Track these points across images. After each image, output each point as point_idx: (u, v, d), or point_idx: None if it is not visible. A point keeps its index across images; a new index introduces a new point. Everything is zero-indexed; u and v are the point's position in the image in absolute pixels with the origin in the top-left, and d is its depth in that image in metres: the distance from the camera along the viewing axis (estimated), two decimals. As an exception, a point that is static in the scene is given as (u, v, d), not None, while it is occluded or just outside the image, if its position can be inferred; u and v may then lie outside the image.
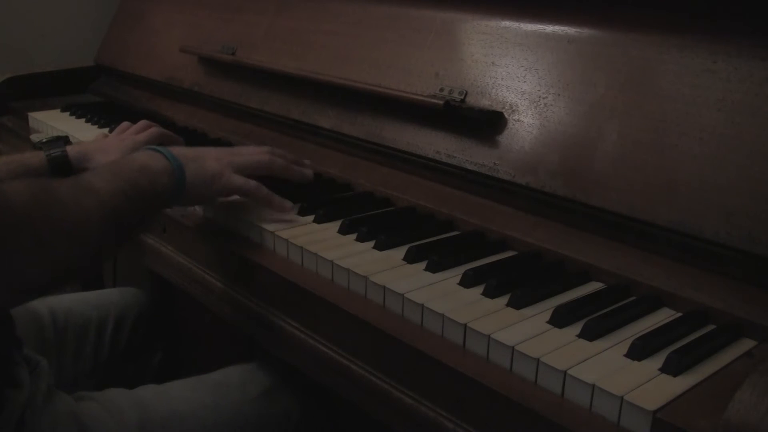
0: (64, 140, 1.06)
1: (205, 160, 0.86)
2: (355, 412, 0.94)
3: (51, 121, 1.41)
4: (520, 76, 0.90)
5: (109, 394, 0.86)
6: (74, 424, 0.79)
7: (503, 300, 0.70)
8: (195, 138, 1.31)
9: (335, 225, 0.87)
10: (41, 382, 0.80)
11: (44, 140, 1.06)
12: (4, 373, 0.77)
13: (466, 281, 0.73)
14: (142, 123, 1.14)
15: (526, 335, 0.63)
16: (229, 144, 1.26)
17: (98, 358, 1.12)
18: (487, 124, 0.90)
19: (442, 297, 0.70)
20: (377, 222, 0.88)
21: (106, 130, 1.35)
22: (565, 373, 0.58)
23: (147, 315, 1.22)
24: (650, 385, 0.57)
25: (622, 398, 0.55)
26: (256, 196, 0.89)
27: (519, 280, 0.73)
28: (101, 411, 0.82)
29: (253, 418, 0.90)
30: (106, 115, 1.44)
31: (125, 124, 1.15)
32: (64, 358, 1.07)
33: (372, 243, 0.82)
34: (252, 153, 0.93)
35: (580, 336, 0.64)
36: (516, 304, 0.69)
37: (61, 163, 1.00)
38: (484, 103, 0.92)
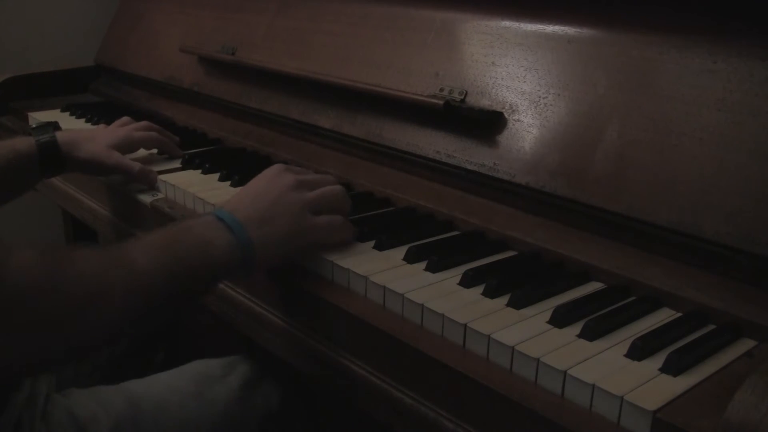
0: (54, 126, 1.07)
1: (277, 218, 0.75)
2: (334, 402, 0.95)
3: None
4: (520, 76, 0.90)
5: (101, 392, 0.86)
6: (71, 424, 0.79)
7: (503, 300, 0.70)
8: (195, 138, 1.31)
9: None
10: (41, 383, 0.80)
11: (34, 126, 1.07)
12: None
13: (466, 281, 0.73)
14: (144, 123, 1.14)
15: (526, 335, 0.63)
16: (228, 143, 1.26)
17: (97, 360, 1.12)
18: (487, 124, 0.90)
19: (442, 297, 0.70)
20: (377, 222, 0.88)
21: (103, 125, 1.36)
22: (565, 373, 0.58)
23: None
24: (650, 385, 0.57)
25: (622, 398, 0.55)
26: (343, 235, 0.80)
27: (519, 280, 0.73)
28: (97, 408, 0.82)
29: (236, 408, 0.91)
30: (106, 115, 1.44)
31: (126, 118, 1.15)
32: None
33: (372, 243, 0.82)
34: (321, 182, 0.82)
35: (580, 336, 0.64)
36: (516, 304, 0.69)
37: (51, 148, 1.00)
38: (484, 103, 0.92)
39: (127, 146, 1.08)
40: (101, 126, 1.17)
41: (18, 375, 0.68)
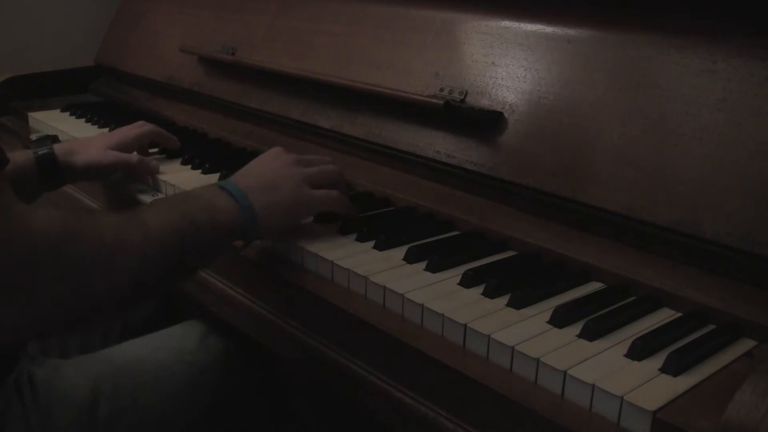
0: (52, 139, 1.07)
1: (279, 188, 0.80)
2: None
3: (51, 121, 1.41)
4: (520, 76, 0.90)
5: (82, 360, 0.90)
6: (53, 395, 0.82)
7: (503, 300, 0.70)
8: (195, 138, 1.31)
9: (335, 225, 0.87)
10: (22, 362, 0.84)
11: (33, 139, 1.07)
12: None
13: (466, 281, 0.73)
14: (138, 123, 1.15)
15: (526, 335, 0.63)
16: (227, 144, 1.26)
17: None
18: (487, 124, 0.90)
19: (442, 297, 0.70)
20: (377, 222, 0.88)
21: (106, 130, 1.36)
22: (565, 373, 0.58)
23: (156, 318, 1.22)
24: (650, 385, 0.57)
25: (622, 398, 0.55)
26: (340, 208, 0.86)
27: (519, 280, 0.73)
28: (81, 378, 0.86)
29: (198, 361, 0.95)
30: (106, 115, 1.44)
31: (124, 127, 1.16)
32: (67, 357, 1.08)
33: (372, 243, 0.82)
34: (317, 160, 0.88)
35: (580, 336, 0.64)
36: (516, 304, 0.69)
37: (48, 161, 1.01)
38: (484, 103, 0.92)
39: (123, 145, 1.08)
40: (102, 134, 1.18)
41: (43, 332, 0.70)
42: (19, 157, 1.01)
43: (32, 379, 0.83)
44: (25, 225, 0.57)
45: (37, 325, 0.61)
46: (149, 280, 0.68)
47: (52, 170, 1.02)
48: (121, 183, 1.09)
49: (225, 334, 0.98)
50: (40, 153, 1.01)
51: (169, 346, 0.96)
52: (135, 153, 1.09)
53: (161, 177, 1.05)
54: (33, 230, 0.58)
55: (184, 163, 1.12)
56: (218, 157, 1.16)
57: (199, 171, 1.09)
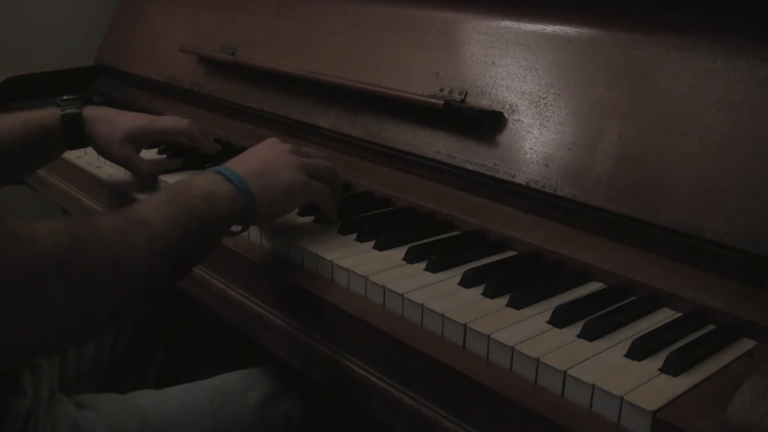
0: (84, 99, 1.03)
1: (276, 173, 0.79)
2: (356, 412, 0.94)
3: (51, 121, 1.41)
4: (520, 76, 0.90)
5: (109, 403, 0.85)
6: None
7: (503, 300, 0.70)
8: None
9: (335, 225, 0.87)
10: (43, 387, 0.80)
11: (64, 97, 1.04)
12: (7, 380, 0.77)
13: (466, 281, 0.73)
14: (176, 117, 1.10)
15: (526, 335, 0.63)
16: (228, 144, 1.26)
17: (99, 359, 1.12)
18: (487, 124, 0.90)
19: (442, 297, 0.70)
20: (377, 222, 0.88)
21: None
22: (565, 373, 0.58)
23: (149, 317, 1.22)
24: (650, 385, 0.57)
25: (622, 398, 0.55)
26: (328, 206, 0.85)
27: (519, 280, 0.73)
28: (101, 422, 0.81)
29: (253, 426, 0.90)
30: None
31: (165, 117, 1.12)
32: (66, 359, 1.07)
33: (372, 243, 0.82)
34: (313, 154, 0.88)
35: (580, 336, 0.64)
36: (516, 304, 0.69)
37: (75, 122, 0.99)
38: (484, 103, 0.92)
39: (147, 134, 1.05)
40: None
41: (60, 344, 0.68)
42: (47, 115, 0.99)
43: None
44: (28, 243, 0.56)
45: (53, 339, 0.59)
46: (159, 277, 0.67)
47: (77, 132, 1.00)
48: (122, 183, 1.09)
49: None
50: (67, 113, 0.99)
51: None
52: (144, 161, 1.05)
53: (161, 177, 1.05)
54: (38, 247, 0.56)
55: (183, 164, 1.12)
56: (218, 156, 1.16)
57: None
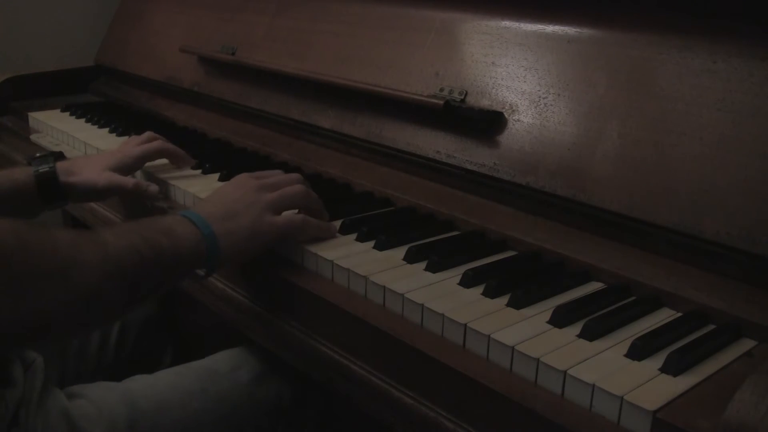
0: (56, 156, 1.02)
1: (239, 216, 0.79)
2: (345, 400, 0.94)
3: (51, 121, 1.41)
4: (520, 76, 0.90)
5: (99, 390, 0.85)
6: (65, 423, 0.79)
7: (503, 300, 0.70)
8: (195, 138, 1.32)
9: (335, 225, 0.87)
10: (36, 380, 0.80)
11: (36, 155, 1.01)
12: None
13: (466, 281, 0.73)
14: (147, 134, 1.09)
15: (526, 335, 0.63)
16: (228, 144, 1.26)
17: (102, 360, 1.12)
18: (487, 124, 0.90)
19: (442, 297, 0.70)
20: (377, 222, 0.88)
21: (106, 130, 1.36)
22: (565, 373, 0.58)
23: (155, 319, 1.21)
24: (650, 385, 0.57)
25: (622, 398, 0.55)
26: (305, 233, 0.83)
27: (519, 280, 0.73)
28: (91, 408, 0.81)
29: (244, 404, 0.90)
30: (106, 115, 1.44)
31: (132, 138, 1.11)
32: (66, 356, 1.07)
33: (372, 243, 0.82)
34: (283, 182, 0.86)
35: (580, 336, 0.64)
36: (516, 304, 0.69)
37: (48, 180, 0.97)
38: (484, 103, 0.92)
39: (124, 166, 1.03)
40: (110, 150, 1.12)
41: None
42: (20, 173, 0.97)
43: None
44: None
45: None
46: (105, 299, 0.66)
47: (53, 189, 0.98)
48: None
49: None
50: (40, 171, 0.97)
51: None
52: (131, 177, 1.03)
53: (161, 177, 1.05)
54: None
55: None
56: (218, 157, 1.16)
57: (199, 171, 1.09)
